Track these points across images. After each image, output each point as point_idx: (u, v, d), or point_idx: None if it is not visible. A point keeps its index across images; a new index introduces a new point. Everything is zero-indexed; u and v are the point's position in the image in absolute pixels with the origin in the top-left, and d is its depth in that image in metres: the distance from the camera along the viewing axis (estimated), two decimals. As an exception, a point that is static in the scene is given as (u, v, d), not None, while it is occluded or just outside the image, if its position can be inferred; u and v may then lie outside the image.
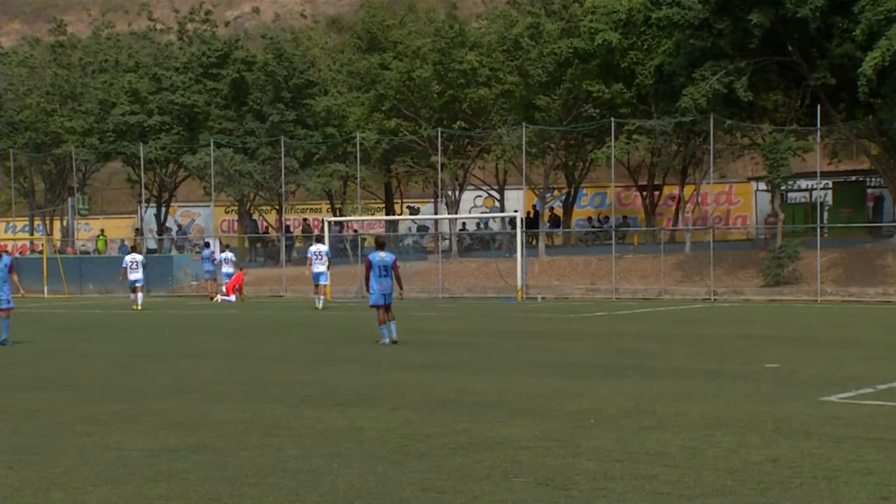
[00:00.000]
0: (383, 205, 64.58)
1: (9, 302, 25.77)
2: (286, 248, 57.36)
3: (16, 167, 63.82)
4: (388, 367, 19.54)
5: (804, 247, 44.37)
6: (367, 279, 24.55)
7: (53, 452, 11.51)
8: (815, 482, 9.70)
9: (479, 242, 59.94)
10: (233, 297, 47.18)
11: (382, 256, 24.67)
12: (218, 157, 55.79)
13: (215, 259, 48.99)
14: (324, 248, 41.61)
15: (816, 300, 42.16)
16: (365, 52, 58.89)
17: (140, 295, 42.01)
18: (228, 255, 49.10)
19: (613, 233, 49.97)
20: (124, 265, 42.84)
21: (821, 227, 46.25)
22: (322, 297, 40.36)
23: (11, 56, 67.96)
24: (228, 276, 48.40)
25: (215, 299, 47.59)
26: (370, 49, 58.72)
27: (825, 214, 50.12)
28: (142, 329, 31.40)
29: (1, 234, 72.97)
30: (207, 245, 53.66)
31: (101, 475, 10.29)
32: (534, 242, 52.81)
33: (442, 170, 53.17)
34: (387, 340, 24.05)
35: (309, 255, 41.64)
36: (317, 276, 40.34)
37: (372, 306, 24.58)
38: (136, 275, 42.13)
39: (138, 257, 43.35)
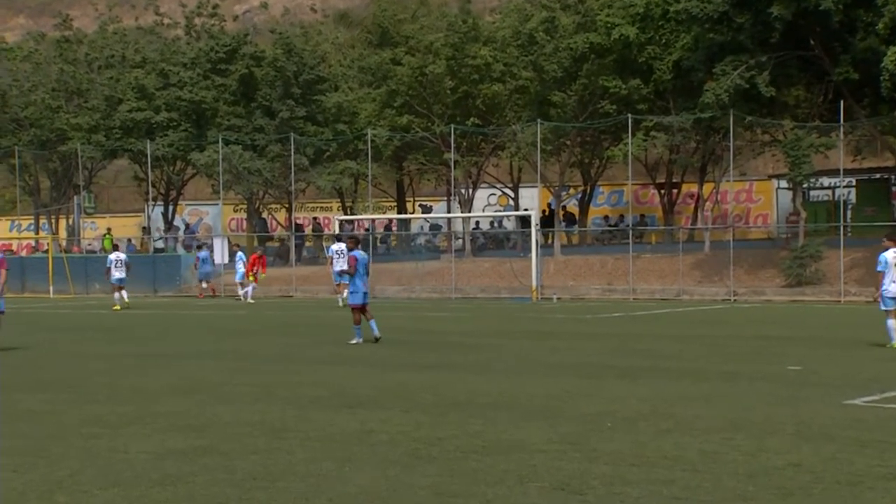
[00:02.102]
0: (395, 203, 64.08)
1: None
2: (296, 247, 56.76)
3: (21, 165, 63.20)
4: (398, 369, 19.44)
5: (827, 246, 43.76)
6: (350, 275, 24.85)
7: (58, 455, 11.41)
8: (838, 488, 9.57)
9: (492, 241, 59.53)
10: (250, 290, 46.59)
11: (363, 255, 25.09)
12: (226, 155, 55.21)
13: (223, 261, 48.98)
14: (346, 246, 41.03)
15: (839, 301, 41.61)
16: (376, 47, 58.69)
17: (123, 293, 42.01)
18: (241, 254, 49.42)
19: (631, 232, 49.40)
20: (109, 264, 42.84)
21: (844, 226, 45.57)
22: (342, 295, 40.03)
23: (16, 51, 67.65)
24: (242, 275, 48.33)
25: (242, 299, 47.02)
26: (381, 44, 58.44)
27: (848, 213, 49.40)
28: (148, 329, 31.38)
29: (6, 233, 72.71)
30: (200, 247, 53.31)
31: (107, 478, 10.21)
32: (549, 241, 52.24)
33: (455, 167, 52.74)
34: (360, 340, 24.32)
35: (330, 254, 41.62)
36: (339, 274, 39.89)
37: (354, 306, 24.60)
38: (121, 273, 42.19)
39: (122, 256, 43.50)
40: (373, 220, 61.19)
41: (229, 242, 55.44)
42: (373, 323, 24.42)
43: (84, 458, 11.16)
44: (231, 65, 59.88)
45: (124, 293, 41.94)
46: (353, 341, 24.32)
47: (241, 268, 48.46)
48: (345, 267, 39.25)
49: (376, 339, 24.19)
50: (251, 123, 58.00)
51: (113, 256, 43.06)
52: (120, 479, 10.12)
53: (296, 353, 22.82)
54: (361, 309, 24.47)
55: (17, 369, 20.11)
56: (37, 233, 67.08)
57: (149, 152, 58.03)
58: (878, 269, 22.51)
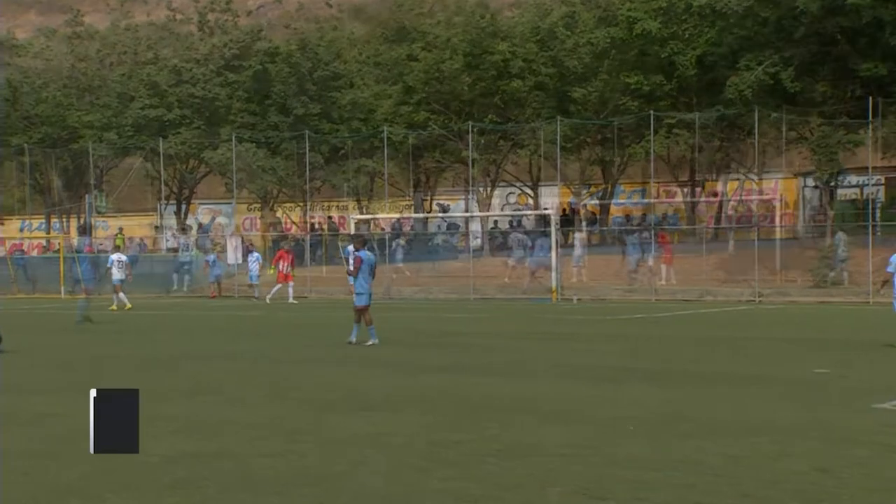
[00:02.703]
0: (412, 202, 63.38)
1: None
2: (311, 246, 56.25)
3: (31, 163, 62.98)
4: (414, 371, 19.22)
5: (854, 246, 43.10)
6: (353, 276, 24.61)
7: (69, 458, 11.30)
8: (866, 494, 9.43)
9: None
10: (290, 289, 46.16)
11: (370, 255, 24.83)
12: (240, 153, 54.94)
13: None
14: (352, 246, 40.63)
15: (868, 302, 40.68)
16: (392, 42, 58.65)
17: (122, 294, 41.83)
18: (256, 255, 49.61)
19: (653, 231, 48.68)
20: (109, 264, 42.65)
21: (872, 225, 44.78)
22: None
23: (27, 48, 67.89)
24: (256, 277, 48.22)
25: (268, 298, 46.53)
26: (398, 40, 58.58)
27: (877, 212, 48.92)
28: (159, 330, 31.48)
29: (16, 233, 72.26)
30: (207, 251, 52.99)
31: (119, 482, 10.16)
32: (569, 241, 51.61)
33: (473, 165, 52.50)
34: (377, 341, 23.87)
35: (345, 255, 41.28)
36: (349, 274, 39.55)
37: (361, 307, 24.19)
38: (121, 274, 42.04)
39: (123, 257, 43.50)
40: (398, 219, 60.71)
41: (243, 242, 55.03)
42: (373, 329, 24.11)
43: (95, 462, 10.64)
44: (245, 61, 59.84)
45: (122, 295, 41.57)
46: (370, 342, 23.87)
47: (255, 269, 48.12)
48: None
49: (350, 343, 23.93)
50: (265, 121, 57.91)
51: (114, 257, 42.96)
52: (132, 483, 10.07)
53: (309, 355, 22.63)
54: (365, 310, 24.18)
55: (26, 371, 19.93)
56: (48, 232, 66.90)
57: (161, 150, 57.78)
58: (889, 269, 23.11)
